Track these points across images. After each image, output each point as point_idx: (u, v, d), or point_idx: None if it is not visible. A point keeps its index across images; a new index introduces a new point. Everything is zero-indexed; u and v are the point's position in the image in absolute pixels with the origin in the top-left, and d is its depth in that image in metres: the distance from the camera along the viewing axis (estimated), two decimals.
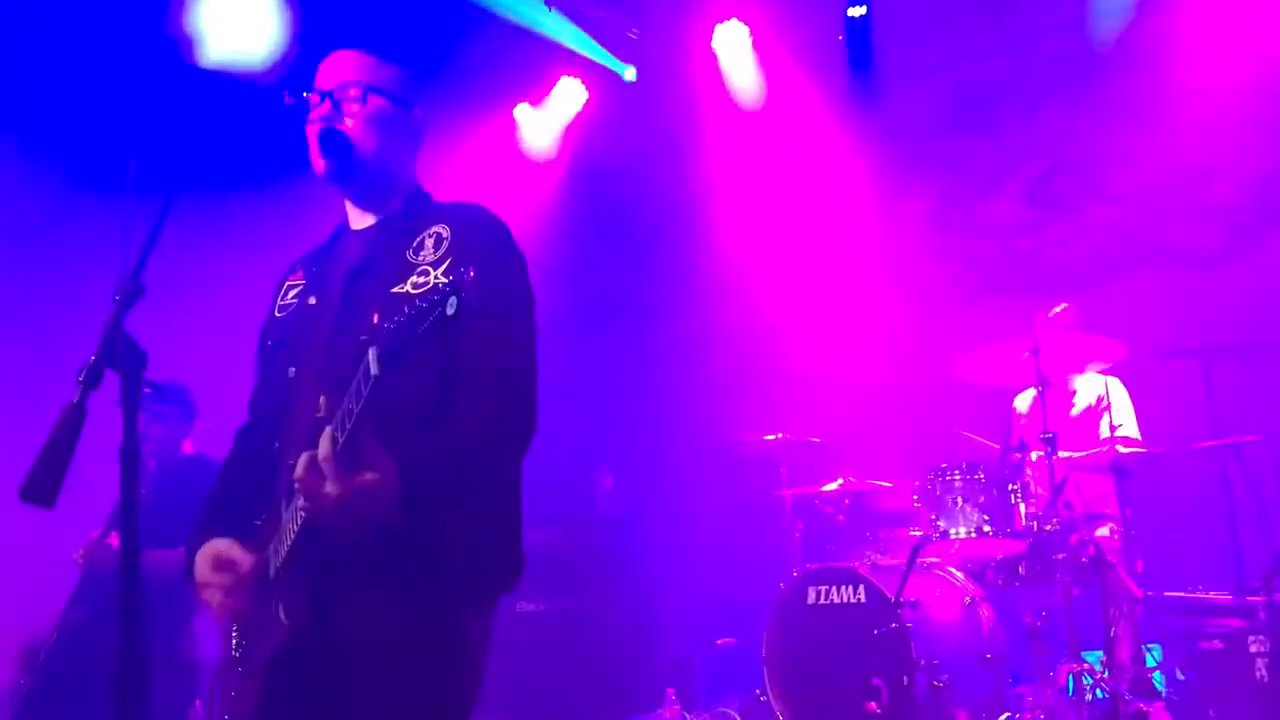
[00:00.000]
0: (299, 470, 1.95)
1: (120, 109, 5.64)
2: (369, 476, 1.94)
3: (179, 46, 6.01)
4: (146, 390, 1.91)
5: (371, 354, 1.80)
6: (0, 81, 5.63)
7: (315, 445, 1.96)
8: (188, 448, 4.89)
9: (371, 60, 2.37)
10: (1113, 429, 5.00)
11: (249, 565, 2.19)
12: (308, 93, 2.33)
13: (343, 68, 2.35)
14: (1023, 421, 5.65)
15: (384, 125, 2.32)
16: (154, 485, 4.54)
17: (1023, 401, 5.73)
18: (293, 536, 2.06)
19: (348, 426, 1.89)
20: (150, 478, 4.60)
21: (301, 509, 2.01)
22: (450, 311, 1.77)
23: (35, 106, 5.75)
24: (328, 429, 1.95)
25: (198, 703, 5.43)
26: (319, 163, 2.31)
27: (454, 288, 1.78)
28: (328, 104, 2.30)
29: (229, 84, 5.89)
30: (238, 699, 2.21)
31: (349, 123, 2.30)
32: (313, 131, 2.28)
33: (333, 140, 2.28)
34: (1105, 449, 4.99)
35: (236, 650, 2.24)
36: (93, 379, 1.83)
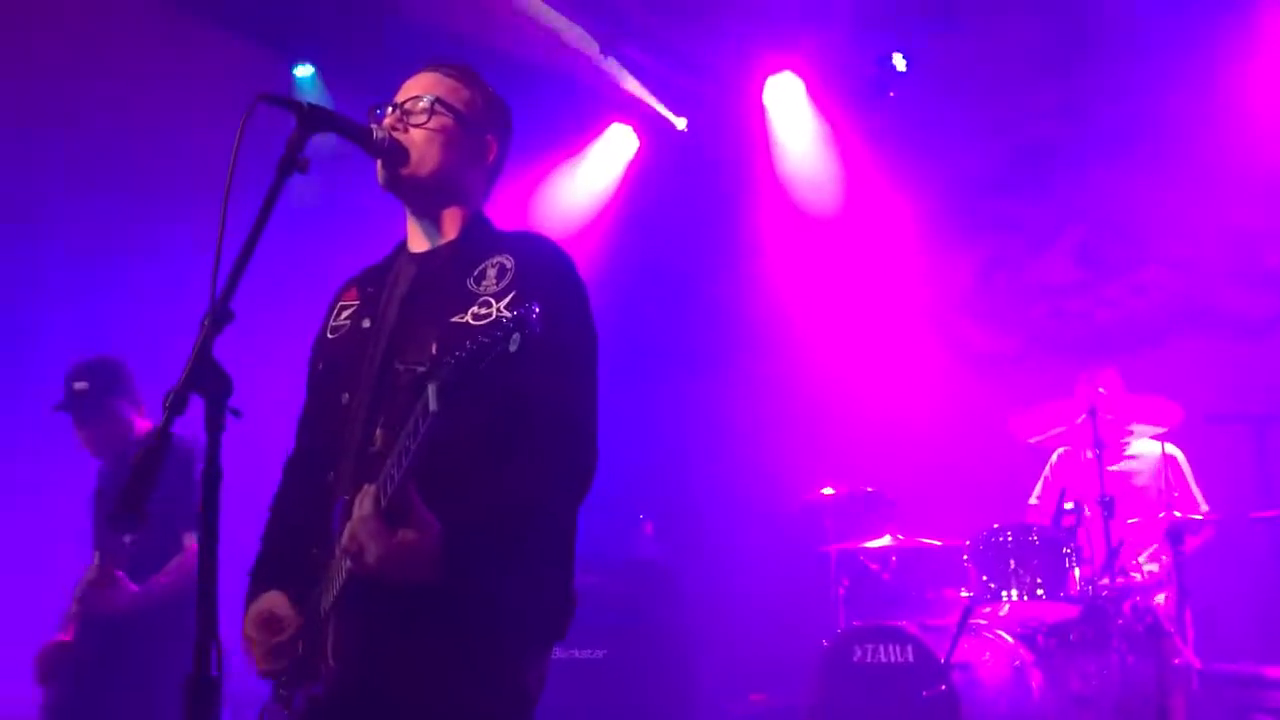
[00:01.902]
0: (344, 538, 1.95)
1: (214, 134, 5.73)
2: (409, 536, 1.92)
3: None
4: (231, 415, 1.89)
5: (431, 390, 1.77)
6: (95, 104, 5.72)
7: (371, 479, 1.95)
8: (141, 428, 4.19)
9: (448, 79, 2.37)
10: (1171, 495, 4.91)
11: (294, 628, 2.16)
12: (384, 105, 2.34)
13: (418, 83, 2.36)
14: (1049, 479, 5.60)
15: (446, 142, 2.30)
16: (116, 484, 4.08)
17: (1056, 461, 5.66)
18: (343, 578, 2.03)
19: (395, 477, 1.88)
20: (111, 479, 4.16)
21: (346, 568, 2.00)
22: (513, 348, 1.75)
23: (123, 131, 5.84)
24: (370, 487, 1.94)
25: None
26: (379, 172, 2.31)
27: (518, 324, 1.76)
28: (396, 113, 2.30)
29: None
30: None
31: (413, 134, 2.29)
32: (377, 138, 2.27)
33: (390, 148, 2.27)
34: (1162, 515, 4.90)
35: (282, 688, 2.20)
36: (179, 404, 1.82)
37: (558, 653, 6.07)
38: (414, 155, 2.28)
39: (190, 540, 3.96)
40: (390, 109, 2.33)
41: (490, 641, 2.05)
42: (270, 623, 2.18)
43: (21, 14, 5.55)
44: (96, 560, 3.90)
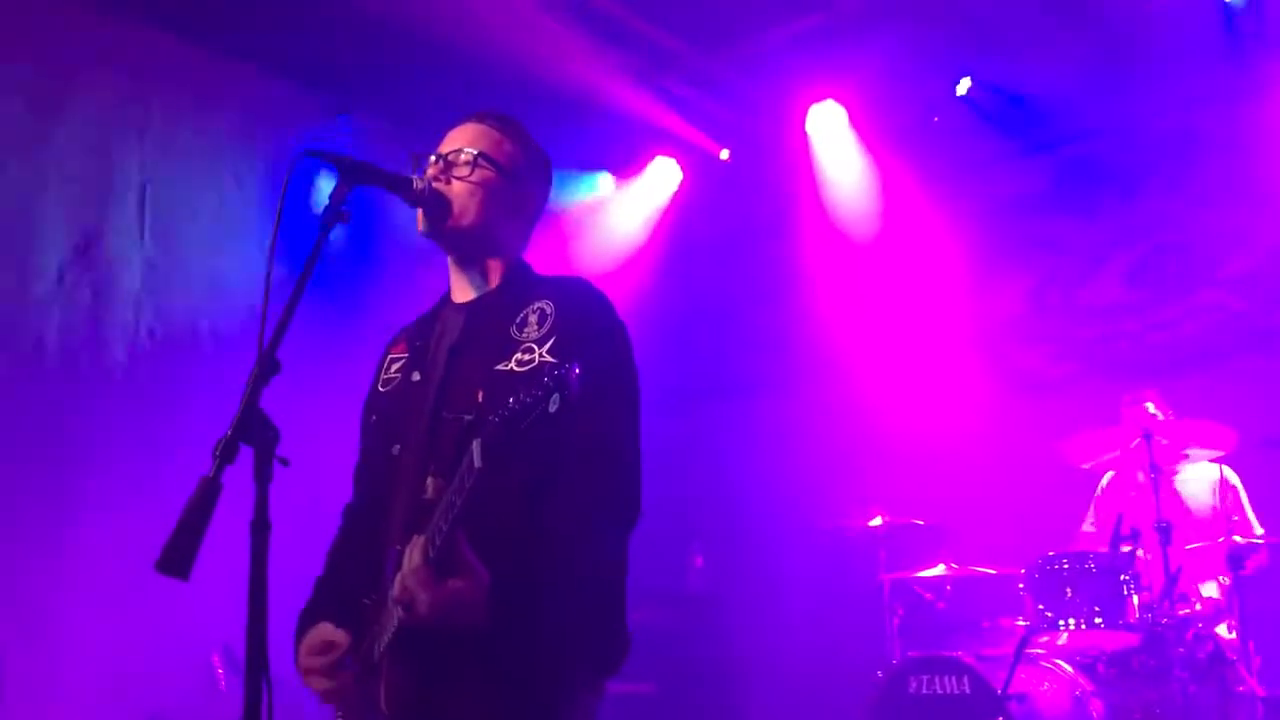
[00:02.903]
0: (396, 588, 1.99)
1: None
2: (458, 585, 1.95)
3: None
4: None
5: (475, 447, 1.82)
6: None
7: (422, 529, 1.99)
8: None
9: (492, 131, 2.41)
10: (1230, 520, 4.82)
11: (346, 643, 2.20)
12: (427, 155, 2.38)
13: (462, 135, 2.40)
14: (1099, 504, 5.52)
15: (487, 194, 2.34)
16: None
17: (1106, 485, 5.58)
18: (394, 627, 2.07)
19: (443, 529, 1.91)
20: None
21: (398, 617, 2.04)
22: (553, 409, 1.78)
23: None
24: (420, 538, 1.98)
25: None
26: (420, 221, 2.35)
27: (558, 384, 1.79)
28: (439, 165, 2.35)
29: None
30: None
31: (455, 186, 2.33)
32: (419, 189, 2.32)
33: (433, 199, 2.31)
34: (1221, 539, 4.81)
35: None
36: (228, 454, 1.86)
37: (610, 687, 6.08)
38: (455, 207, 2.33)
39: None
40: (434, 159, 2.38)
41: (541, 683, 2.07)
42: (323, 647, 2.23)
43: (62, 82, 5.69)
44: None
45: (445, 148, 2.39)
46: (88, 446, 5.41)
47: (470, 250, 2.39)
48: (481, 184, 2.34)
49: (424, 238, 2.38)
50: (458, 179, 2.34)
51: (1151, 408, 5.33)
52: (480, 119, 2.43)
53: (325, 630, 2.25)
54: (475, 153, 2.35)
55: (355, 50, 6.51)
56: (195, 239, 6.07)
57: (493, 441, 1.80)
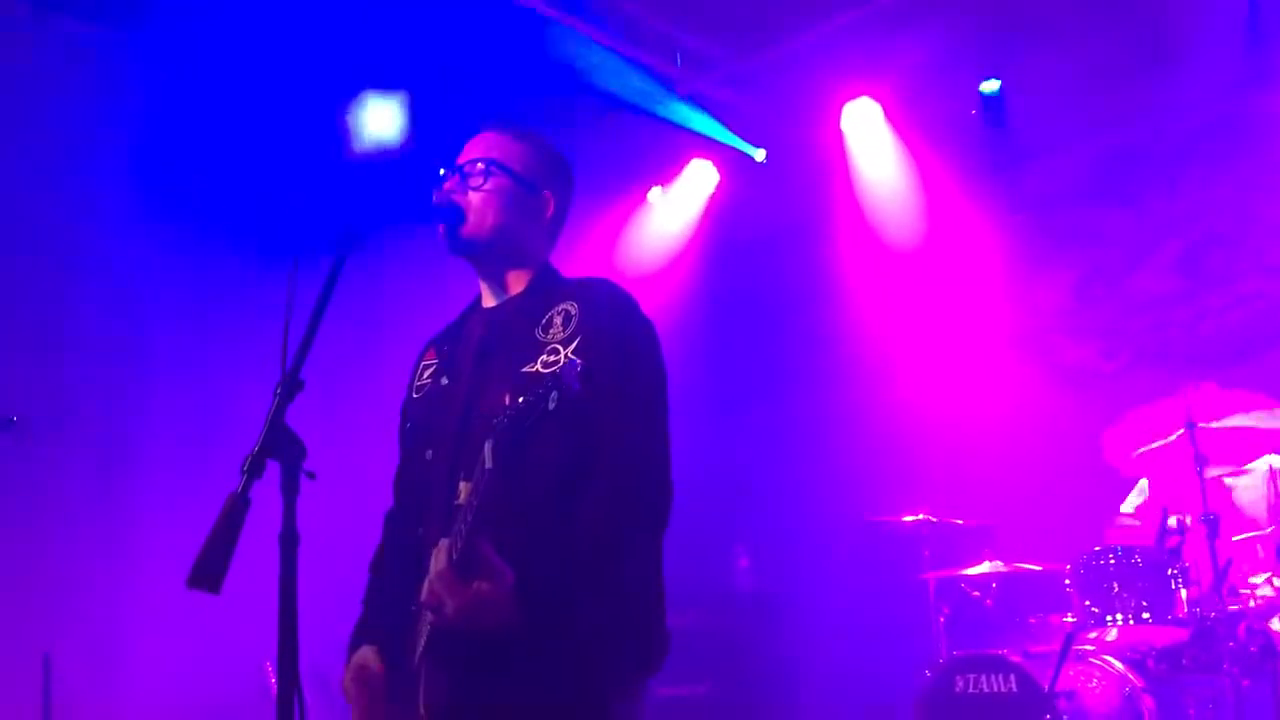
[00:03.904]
0: (423, 593, 2.03)
1: (283, 197, 5.94)
2: (483, 587, 1.98)
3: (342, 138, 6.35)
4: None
5: (487, 448, 1.86)
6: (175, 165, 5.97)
7: (448, 538, 2.02)
8: None
9: (506, 139, 2.44)
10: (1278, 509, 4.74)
11: (382, 682, 2.24)
12: (445, 168, 2.42)
13: (477, 144, 2.44)
14: (1145, 493, 5.45)
15: (504, 201, 2.37)
16: None
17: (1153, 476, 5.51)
18: (427, 631, 2.11)
19: (464, 532, 1.95)
20: None
21: (429, 620, 2.08)
22: (551, 406, 1.82)
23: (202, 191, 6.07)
24: (443, 542, 2.01)
25: None
26: (443, 233, 2.39)
27: (554, 381, 1.84)
28: (455, 177, 2.38)
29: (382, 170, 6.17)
30: None
31: (471, 196, 2.36)
32: (437, 202, 2.35)
33: (449, 211, 2.35)
34: (1270, 529, 4.73)
35: None
36: (256, 469, 1.90)
37: (660, 690, 6.11)
38: (472, 217, 2.36)
39: None
40: (451, 171, 2.41)
41: (574, 681, 2.09)
42: (364, 679, 2.27)
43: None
44: None
45: (460, 159, 2.42)
46: (148, 457, 5.55)
47: (492, 258, 2.42)
48: (496, 191, 2.38)
49: (449, 253, 2.41)
50: (473, 189, 2.37)
51: (1207, 400, 5.23)
52: (494, 127, 2.46)
53: (368, 658, 2.29)
54: (489, 161, 2.38)
55: (389, 64, 6.59)
56: None
57: (500, 442, 1.84)
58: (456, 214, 2.35)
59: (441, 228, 2.37)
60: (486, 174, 2.38)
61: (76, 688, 4.95)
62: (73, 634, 5.08)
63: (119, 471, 5.58)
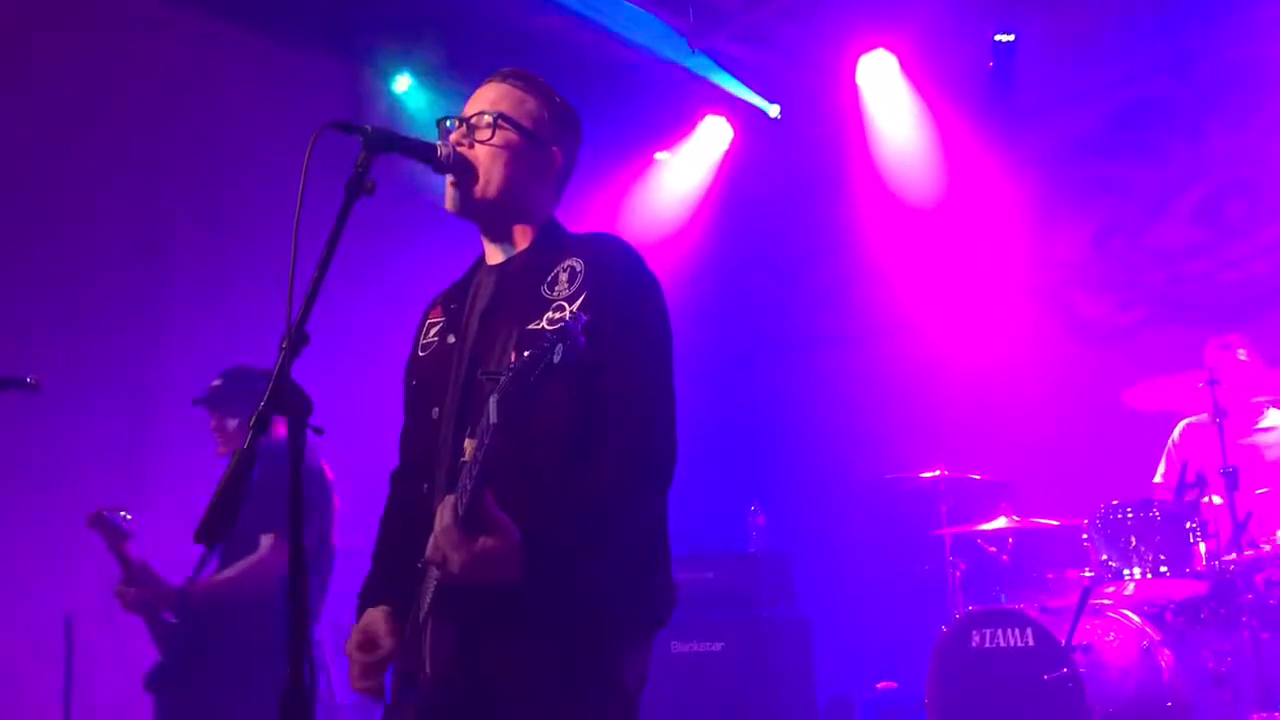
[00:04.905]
0: (429, 549, 2.01)
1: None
2: (488, 542, 1.96)
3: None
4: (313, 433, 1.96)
5: (491, 403, 1.83)
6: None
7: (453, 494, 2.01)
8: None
9: (514, 90, 2.38)
10: None
11: (387, 649, 2.24)
12: (451, 119, 2.37)
13: (483, 96, 2.38)
14: (1172, 454, 5.40)
15: (511, 156, 2.32)
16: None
17: (1180, 432, 5.45)
18: (433, 587, 2.11)
19: (469, 487, 1.93)
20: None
21: (435, 577, 2.07)
22: (556, 359, 1.79)
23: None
24: (449, 498, 2.00)
25: None
26: (448, 199, 2.34)
27: (560, 335, 1.81)
28: (462, 129, 2.33)
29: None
30: None
31: (478, 150, 2.31)
32: (443, 155, 2.30)
33: (458, 164, 2.30)
34: None
35: (393, 699, 2.28)
36: (262, 425, 1.89)
37: (677, 647, 6.13)
38: (480, 173, 2.31)
39: (267, 541, 3.96)
40: (457, 123, 2.37)
41: (580, 635, 2.09)
42: (367, 643, 2.26)
43: (119, 58, 5.80)
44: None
45: (467, 110, 2.36)
46: (167, 416, 5.57)
47: (499, 216, 2.38)
48: (505, 146, 2.32)
49: (455, 214, 2.37)
50: (480, 143, 2.32)
51: (1243, 354, 5.16)
52: (502, 78, 2.39)
53: (375, 621, 2.28)
54: (496, 114, 2.32)
55: (397, 23, 6.54)
56: None
57: (505, 397, 1.81)
58: (465, 167, 2.31)
59: (449, 186, 2.33)
60: (494, 127, 2.32)
61: (98, 649, 5.00)
62: (94, 595, 5.11)
63: (139, 430, 5.62)
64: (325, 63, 6.71)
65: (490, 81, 2.41)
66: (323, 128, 2.11)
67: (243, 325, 5.71)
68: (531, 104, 2.38)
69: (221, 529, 1.81)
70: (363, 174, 2.10)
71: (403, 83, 7.11)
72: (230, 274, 6.06)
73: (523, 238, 2.38)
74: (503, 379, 1.83)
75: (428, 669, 2.14)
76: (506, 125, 2.33)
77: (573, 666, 2.08)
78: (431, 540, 2.02)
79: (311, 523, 3.90)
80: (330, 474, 4.12)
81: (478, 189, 2.31)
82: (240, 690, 3.84)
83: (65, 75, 5.64)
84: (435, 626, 2.13)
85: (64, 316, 5.53)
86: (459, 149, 2.31)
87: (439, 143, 2.31)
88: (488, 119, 2.32)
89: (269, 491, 4.18)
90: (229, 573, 3.99)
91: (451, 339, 2.36)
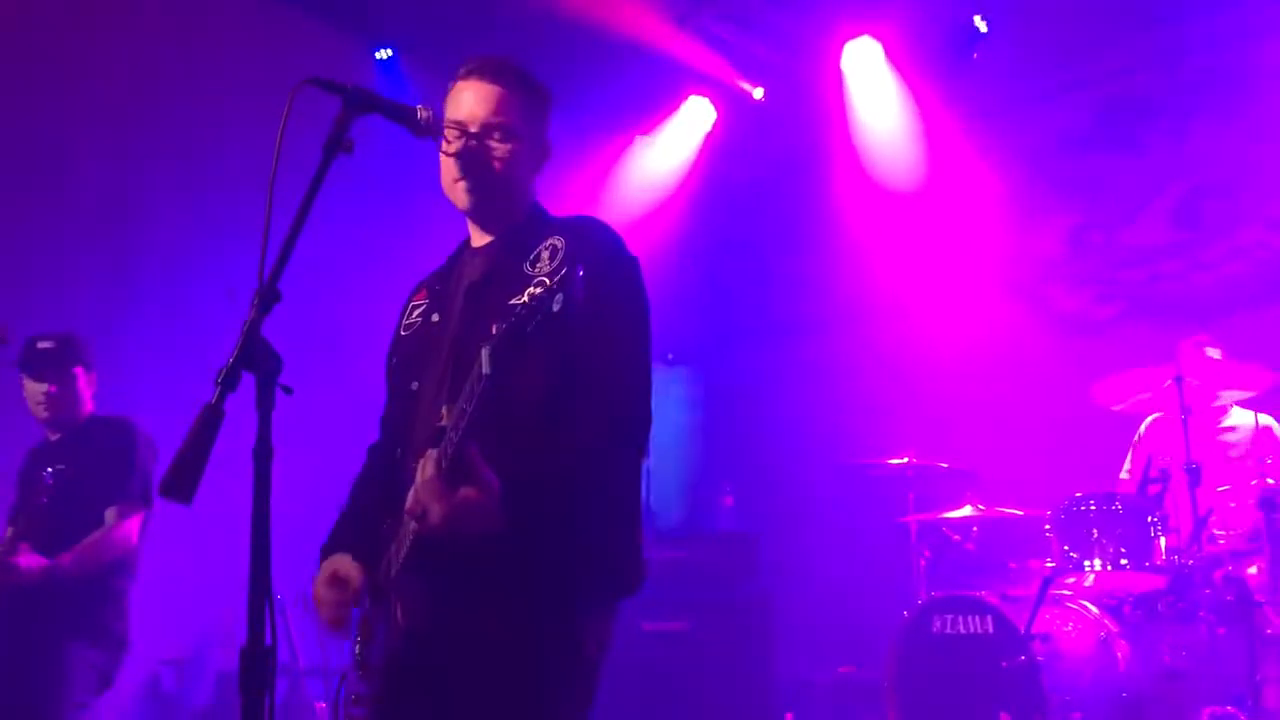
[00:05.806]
0: (409, 501, 2.03)
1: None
2: (470, 494, 1.99)
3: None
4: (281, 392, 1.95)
5: (484, 354, 1.85)
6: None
7: (435, 449, 2.02)
8: (88, 409, 4.20)
9: (517, 98, 2.38)
10: (1263, 463, 4.75)
11: (358, 582, 2.27)
12: (452, 123, 2.34)
13: (483, 102, 2.35)
14: (1138, 449, 5.46)
15: (518, 162, 2.37)
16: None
17: (1146, 427, 5.51)
18: (409, 541, 2.12)
19: (454, 440, 1.95)
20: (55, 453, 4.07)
21: (412, 530, 2.09)
22: (556, 308, 1.82)
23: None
24: (432, 451, 2.01)
25: (319, 705, 5.55)
26: (461, 198, 2.36)
27: (561, 284, 1.83)
28: (473, 142, 2.33)
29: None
30: (358, 701, 2.27)
31: (493, 164, 2.34)
32: (458, 164, 2.31)
33: (478, 175, 2.32)
34: (1254, 482, 4.74)
35: (359, 653, 2.31)
36: (230, 381, 1.88)
37: (643, 626, 6.14)
38: (499, 187, 2.35)
39: (112, 515, 3.90)
40: (465, 133, 2.33)
41: (549, 595, 2.12)
42: (338, 581, 2.30)
43: (102, 14, 5.74)
44: (10, 533, 3.84)
45: (469, 114, 2.34)
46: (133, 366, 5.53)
47: (496, 209, 2.42)
48: (513, 155, 2.35)
49: (464, 211, 2.40)
50: (494, 158, 2.33)
51: (1215, 353, 5.21)
52: (495, 79, 2.37)
53: (340, 563, 2.32)
54: (505, 128, 2.34)
55: None
56: None
57: (499, 346, 1.84)
58: (489, 179, 2.33)
59: (463, 192, 2.34)
60: (503, 140, 2.34)
61: None
62: None
63: (107, 391, 5.56)
64: (309, 24, 6.65)
65: (482, 81, 2.37)
66: (301, 83, 2.10)
67: (214, 285, 5.68)
68: (533, 109, 2.42)
69: (190, 484, 1.80)
70: (341, 132, 2.10)
71: (384, 54, 7.08)
72: (206, 232, 6.01)
73: (509, 220, 2.43)
74: (499, 329, 1.84)
75: (400, 619, 2.17)
76: (514, 137, 2.35)
77: (539, 629, 2.11)
78: (412, 493, 2.04)
79: (148, 485, 3.90)
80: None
81: (489, 191, 2.35)
82: (66, 658, 3.78)
83: (40, 29, 5.56)
84: (407, 582, 2.17)
85: (40, 274, 5.46)
86: (471, 156, 2.31)
87: (419, 106, 2.30)
88: (498, 134, 2.33)
89: (112, 463, 4.16)
90: (77, 551, 3.86)
91: (435, 318, 2.41)
